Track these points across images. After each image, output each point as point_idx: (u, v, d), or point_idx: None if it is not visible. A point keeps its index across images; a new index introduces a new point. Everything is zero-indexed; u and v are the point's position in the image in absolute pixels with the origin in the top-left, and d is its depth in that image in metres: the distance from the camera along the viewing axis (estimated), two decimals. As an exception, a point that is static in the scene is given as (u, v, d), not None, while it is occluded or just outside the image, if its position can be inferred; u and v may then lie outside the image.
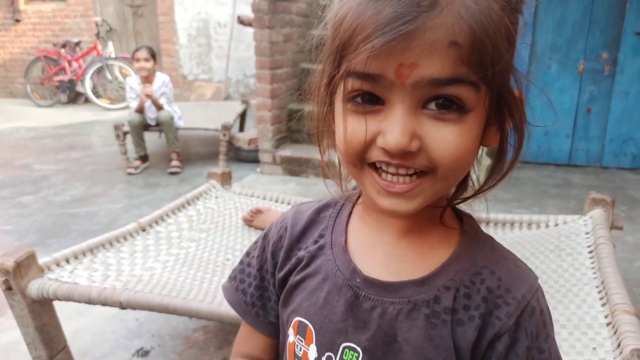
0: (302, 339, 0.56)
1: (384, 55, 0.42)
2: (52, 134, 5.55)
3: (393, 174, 0.46)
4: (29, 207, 3.28)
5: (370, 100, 0.45)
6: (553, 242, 1.67)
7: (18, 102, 7.76)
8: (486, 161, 1.65)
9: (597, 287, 1.35)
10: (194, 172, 4.08)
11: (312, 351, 0.55)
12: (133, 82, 4.07)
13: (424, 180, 0.46)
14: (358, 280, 0.54)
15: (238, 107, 4.97)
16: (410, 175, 0.46)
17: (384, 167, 0.46)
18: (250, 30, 4.13)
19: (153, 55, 3.99)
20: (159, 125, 4.10)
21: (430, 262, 0.53)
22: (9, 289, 1.39)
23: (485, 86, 0.44)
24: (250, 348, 0.66)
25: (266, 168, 4.01)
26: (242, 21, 4.44)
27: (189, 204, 2.04)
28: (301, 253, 0.59)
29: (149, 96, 3.94)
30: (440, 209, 0.53)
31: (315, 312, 0.55)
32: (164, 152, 4.52)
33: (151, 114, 4.05)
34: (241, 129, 4.99)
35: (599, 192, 1.88)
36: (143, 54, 3.93)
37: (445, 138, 0.44)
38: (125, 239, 1.72)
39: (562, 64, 3.85)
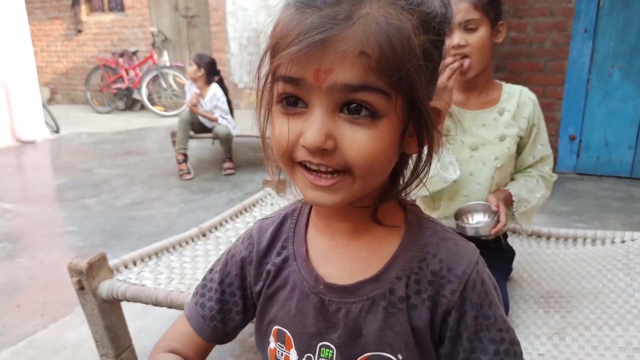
0: (283, 345, 0.62)
1: (304, 61, 0.47)
2: (111, 140, 5.81)
3: (316, 171, 0.51)
4: (91, 210, 3.45)
5: (295, 103, 0.50)
6: (621, 260, 1.60)
7: (79, 109, 8.18)
8: (553, 177, 1.58)
9: (672, 309, 1.28)
10: (245, 178, 4.17)
11: (293, 354, 0.61)
12: (190, 85, 4.32)
13: (344, 178, 0.51)
14: (321, 286, 0.59)
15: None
16: (332, 173, 0.51)
17: (309, 166, 0.51)
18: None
19: (198, 63, 4.15)
20: (211, 131, 4.26)
21: (380, 257, 0.58)
22: (81, 288, 1.47)
23: (397, 94, 0.48)
24: (184, 347, 0.68)
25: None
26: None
27: (245, 210, 2.09)
28: (268, 267, 0.64)
29: (193, 107, 4.14)
30: (383, 206, 0.58)
31: (290, 320, 0.61)
32: (216, 159, 4.65)
33: (207, 123, 4.26)
34: (290, 136, 5.06)
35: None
36: (193, 60, 4.20)
37: (357, 140, 0.49)
38: (187, 243, 1.78)
39: (626, 71, 3.69)
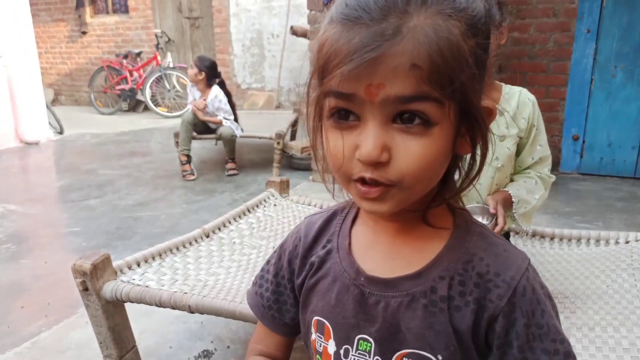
0: (322, 336, 0.63)
1: (354, 77, 0.47)
2: (115, 141, 5.83)
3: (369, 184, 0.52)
4: (95, 210, 3.46)
5: (346, 116, 0.51)
6: (625, 261, 1.60)
7: (82, 110, 8.21)
8: (552, 178, 1.57)
9: (677, 310, 1.28)
10: (248, 178, 4.17)
11: (331, 345, 0.62)
12: (192, 87, 4.34)
13: (392, 187, 0.51)
14: (362, 279, 0.60)
15: (290, 116, 5.04)
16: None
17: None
18: (302, 40, 4.19)
19: (199, 66, 4.15)
20: (214, 132, 4.27)
21: (424, 256, 0.58)
22: (85, 289, 1.47)
23: (450, 101, 0.48)
24: (265, 346, 0.74)
25: (318, 176, 4.04)
26: (295, 32, 4.52)
27: (249, 211, 2.09)
28: (313, 259, 0.66)
29: (199, 110, 4.17)
30: (431, 209, 0.58)
31: (329, 311, 0.62)
32: (219, 159, 4.66)
33: (211, 124, 4.27)
34: (292, 137, 5.06)
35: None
36: (193, 63, 4.21)
37: (410, 149, 0.49)
38: (190, 244, 1.78)
39: (629, 72, 3.68)
